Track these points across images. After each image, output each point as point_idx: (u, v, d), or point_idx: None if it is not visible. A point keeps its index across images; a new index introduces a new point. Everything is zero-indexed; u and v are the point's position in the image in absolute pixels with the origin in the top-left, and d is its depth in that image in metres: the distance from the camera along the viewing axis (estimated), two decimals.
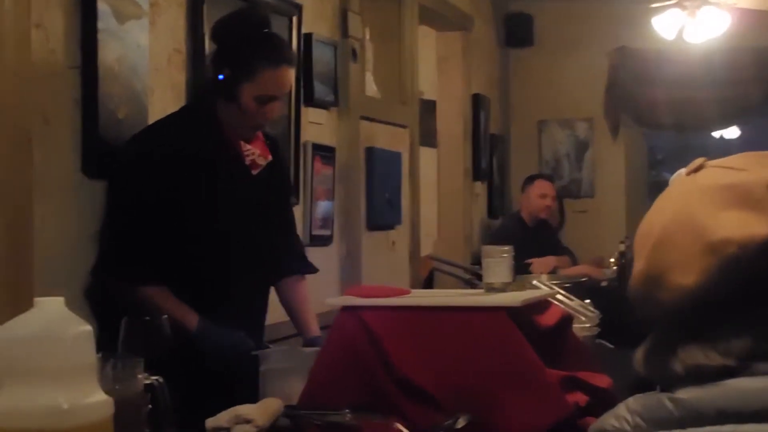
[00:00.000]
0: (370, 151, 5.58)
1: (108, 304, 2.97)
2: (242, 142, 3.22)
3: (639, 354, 1.36)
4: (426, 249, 6.86)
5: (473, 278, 6.05)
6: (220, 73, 3.13)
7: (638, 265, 1.33)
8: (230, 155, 3.21)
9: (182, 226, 3.10)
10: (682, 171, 1.37)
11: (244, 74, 3.11)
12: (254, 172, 3.26)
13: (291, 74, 3.24)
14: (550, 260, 6.82)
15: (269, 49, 3.16)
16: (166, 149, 3.11)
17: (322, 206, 4.96)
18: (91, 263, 3.21)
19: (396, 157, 5.96)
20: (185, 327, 3.02)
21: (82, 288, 3.17)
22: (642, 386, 1.35)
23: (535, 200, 7.17)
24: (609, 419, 1.30)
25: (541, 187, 7.22)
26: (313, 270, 3.54)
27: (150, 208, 3.07)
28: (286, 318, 3.48)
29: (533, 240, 6.99)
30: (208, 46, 3.80)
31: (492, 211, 7.97)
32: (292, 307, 3.43)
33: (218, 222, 3.17)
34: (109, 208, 3.22)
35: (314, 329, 3.36)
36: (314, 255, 4.71)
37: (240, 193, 3.22)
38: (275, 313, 3.49)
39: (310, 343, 3.27)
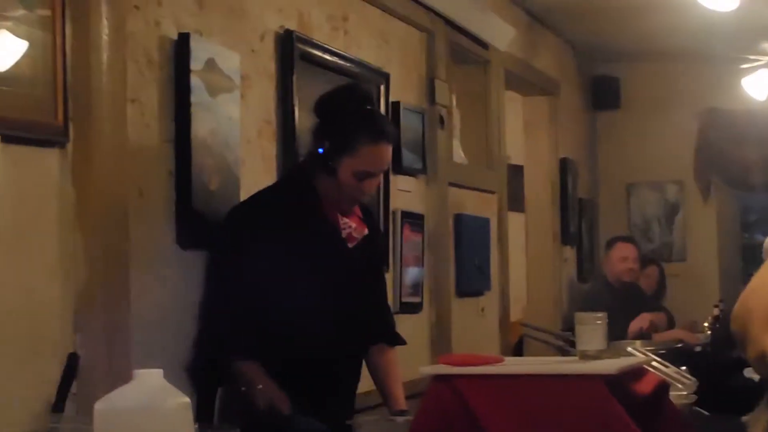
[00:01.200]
0: (459, 218, 5.58)
1: (207, 377, 2.98)
2: (339, 216, 3.24)
3: (754, 420, 1.33)
4: (515, 314, 6.82)
5: (565, 345, 6.00)
6: (321, 147, 3.16)
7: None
8: (328, 228, 3.24)
9: (279, 298, 3.12)
10: None
11: (344, 149, 3.15)
12: (350, 245, 3.27)
13: (390, 151, 3.26)
14: (644, 317, 6.71)
15: (370, 126, 3.21)
16: (266, 222, 3.14)
17: (412, 273, 4.96)
18: (185, 334, 3.24)
19: (484, 222, 5.96)
20: (278, 409, 3.02)
21: (182, 362, 3.20)
22: None
23: (617, 264, 7.09)
24: None
25: (621, 249, 7.14)
26: (401, 342, 3.54)
27: (249, 280, 3.10)
28: (373, 387, 3.47)
29: (622, 303, 6.90)
30: (298, 117, 3.86)
31: (582, 276, 7.90)
32: (380, 378, 3.42)
33: (315, 295, 3.18)
34: (208, 279, 3.24)
35: (402, 403, 3.35)
36: (404, 322, 4.73)
37: (336, 266, 3.23)
38: (363, 381, 3.48)
39: (396, 416, 3.25)
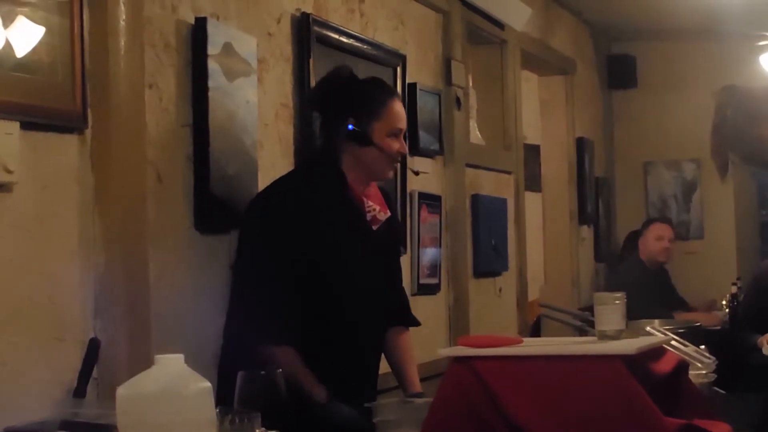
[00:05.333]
0: (476, 198, 5.59)
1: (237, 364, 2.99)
2: (365, 198, 3.26)
3: None
4: (533, 294, 6.82)
5: (583, 325, 5.99)
6: (348, 125, 3.20)
7: None
8: (355, 212, 3.26)
9: (310, 283, 3.13)
10: None
11: (371, 115, 3.22)
12: (375, 227, 3.29)
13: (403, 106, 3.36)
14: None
15: (381, 87, 3.35)
16: (295, 207, 3.15)
17: (430, 254, 4.97)
18: (204, 318, 3.26)
19: (501, 203, 5.96)
20: (314, 397, 3.07)
21: (202, 346, 3.21)
22: None
23: (652, 243, 7.10)
24: None
25: (657, 229, 7.15)
26: (416, 323, 3.54)
27: (280, 265, 3.11)
28: (389, 369, 3.48)
29: (655, 285, 6.92)
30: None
31: (599, 255, 7.89)
32: (395, 361, 3.43)
33: (343, 279, 3.20)
34: (238, 267, 3.24)
35: (417, 385, 3.36)
36: (422, 303, 4.74)
37: (362, 250, 3.25)
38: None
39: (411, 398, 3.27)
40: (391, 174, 3.37)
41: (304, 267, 3.13)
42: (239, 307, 3.18)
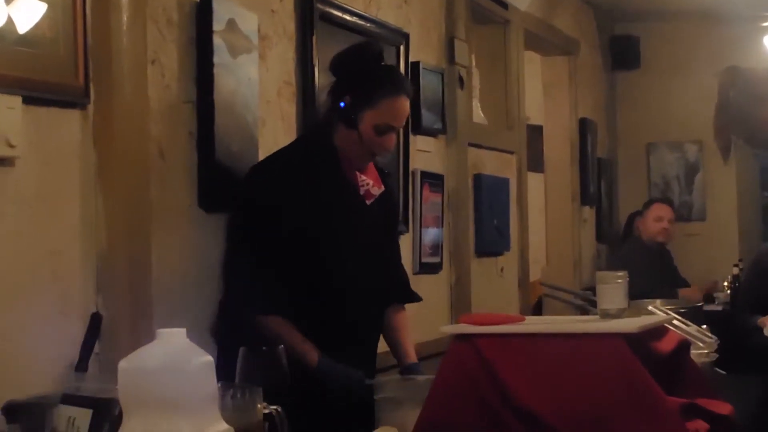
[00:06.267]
0: (478, 178, 5.58)
1: (232, 335, 3.00)
2: (358, 173, 3.26)
3: None
4: (534, 275, 6.82)
5: (585, 304, 6.00)
6: (342, 102, 3.18)
7: None
8: (347, 185, 3.25)
9: (300, 255, 3.14)
10: None
11: (366, 102, 3.18)
12: (368, 202, 3.29)
13: (408, 106, 3.29)
14: None
15: (390, 80, 3.27)
16: (287, 180, 3.16)
17: (431, 233, 4.96)
18: (207, 293, 3.26)
19: (504, 183, 5.95)
20: (306, 362, 3.07)
21: (204, 322, 3.22)
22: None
23: (651, 224, 7.10)
24: None
25: (657, 210, 7.14)
26: (417, 298, 3.55)
27: (271, 237, 3.11)
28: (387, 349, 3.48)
29: (656, 265, 6.92)
30: (318, 77, 3.85)
31: (600, 236, 7.89)
32: (392, 335, 3.43)
33: (334, 251, 3.20)
34: (230, 239, 3.26)
35: (412, 355, 3.36)
36: (424, 282, 4.74)
37: (354, 223, 3.25)
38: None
39: (407, 369, 3.27)
40: (365, 165, 3.29)
41: (296, 239, 3.13)
42: (231, 277, 3.19)
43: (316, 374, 3.07)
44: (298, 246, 3.14)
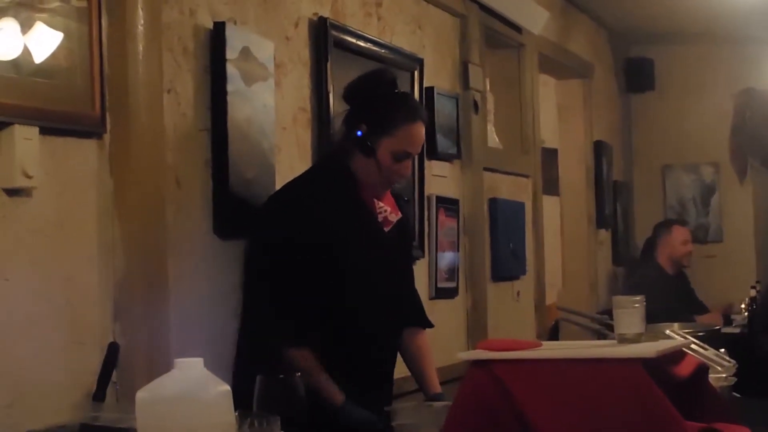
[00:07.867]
0: (494, 202, 5.58)
1: (250, 364, 2.99)
2: (375, 200, 3.27)
3: None
4: (550, 298, 6.81)
5: (602, 328, 5.98)
6: (358, 130, 3.20)
7: None
8: (366, 213, 3.26)
9: (320, 284, 3.14)
10: None
11: (383, 130, 3.19)
12: (386, 229, 3.29)
13: (424, 131, 3.30)
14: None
15: (406, 106, 3.28)
16: (307, 209, 3.16)
17: (447, 258, 4.96)
18: (223, 322, 3.27)
19: (519, 206, 5.95)
20: (331, 403, 3.08)
21: (221, 350, 3.21)
22: None
23: (679, 247, 7.05)
24: None
25: (682, 233, 7.12)
26: (429, 324, 3.54)
27: (293, 267, 3.11)
28: (407, 372, 3.48)
29: (673, 289, 6.89)
30: (333, 104, 3.86)
31: (617, 259, 7.88)
32: (414, 362, 3.43)
33: (355, 280, 3.20)
34: (251, 270, 3.25)
35: (437, 386, 3.36)
36: (440, 307, 4.74)
37: (373, 250, 3.25)
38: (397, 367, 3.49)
39: (432, 399, 3.26)
40: (384, 192, 3.31)
41: (318, 268, 3.13)
42: (254, 309, 3.18)
43: (339, 417, 3.07)
44: (320, 275, 3.13)
